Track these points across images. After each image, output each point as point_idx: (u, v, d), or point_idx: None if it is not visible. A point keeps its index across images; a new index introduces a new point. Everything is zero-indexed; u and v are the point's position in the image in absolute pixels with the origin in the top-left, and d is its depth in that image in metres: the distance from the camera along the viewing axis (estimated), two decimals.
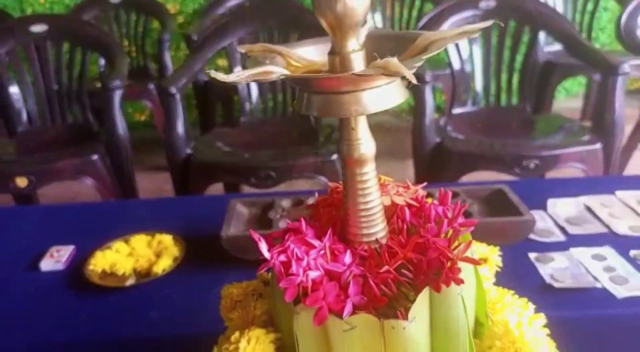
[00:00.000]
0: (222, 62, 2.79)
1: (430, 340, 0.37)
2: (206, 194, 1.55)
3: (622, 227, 0.97)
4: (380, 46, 0.38)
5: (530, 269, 0.86)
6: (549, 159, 1.52)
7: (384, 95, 0.34)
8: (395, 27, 2.84)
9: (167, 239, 0.94)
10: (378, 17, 2.83)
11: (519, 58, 1.87)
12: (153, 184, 2.45)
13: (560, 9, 2.62)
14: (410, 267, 0.37)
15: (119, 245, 0.93)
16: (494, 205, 0.94)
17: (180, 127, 1.58)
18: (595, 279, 0.83)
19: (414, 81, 0.29)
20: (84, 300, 0.85)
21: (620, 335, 0.78)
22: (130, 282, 0.87)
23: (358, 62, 0.35)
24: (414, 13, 2.73)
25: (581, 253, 0.89)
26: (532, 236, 0.94)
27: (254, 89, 1.87)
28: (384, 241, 0.39)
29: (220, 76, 0.31)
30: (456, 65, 1.85)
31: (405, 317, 0.34)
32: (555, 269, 0.85)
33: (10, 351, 0.79)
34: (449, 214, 0.40)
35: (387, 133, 3.26)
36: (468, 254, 0.37)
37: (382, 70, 0.29)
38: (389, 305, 0.36)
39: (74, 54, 1.90)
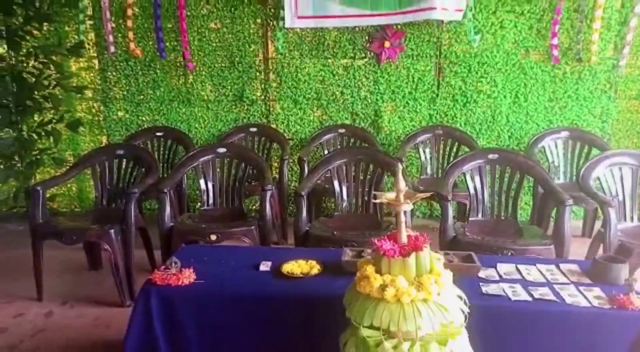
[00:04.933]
0: None
1: (416, 268, 1.50)
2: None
3: (530, 278, 2.02)
4: (407, 193, 1.57)
5: (478, 287, 1.92)
6: (519, 251, 2.56)
7: (409, 205, 1.51)
8: (439, 158, 4.04)
9: (314, 261, 2.10)
10: (428, 150, 4.05)
11: (513, 189, 2.97)
12: None
13: (561, 159, 3.78)
14: (412, 248, 1.51)
15: (293, 262, 2.09)
16: (466, 259, 2.03)
17: (304, 215, 2.78)
18: (506, 293, 1.88)
19: (409, 208, 1.47)
20: (280, 282, 2.00)
21: (511, 316, 1.82)
22: (300, 276, 2.01)
23: (403, 197, 1.52)
24: (454, 150, 3.95)
25: (505, 285, 1.95)
26: (483, 276, 2.01)
27: (344, 193, 3.06)
28: (406, 243, 1.53)
29: (379, 200, 1.49)
30: (472, 190, 2.98)
31: (408, 257, 1.48)
32: (489, 288, 1.92)
33: (247, 298, 1.94)
34: (423, 241, 1.54)
35: (430, 231, 4.35)
36: (425, 249, 1.51)
37: (407, 202, 1.47)
38: (405, 256, 1.49)
39: (239, 166, 3.21)
